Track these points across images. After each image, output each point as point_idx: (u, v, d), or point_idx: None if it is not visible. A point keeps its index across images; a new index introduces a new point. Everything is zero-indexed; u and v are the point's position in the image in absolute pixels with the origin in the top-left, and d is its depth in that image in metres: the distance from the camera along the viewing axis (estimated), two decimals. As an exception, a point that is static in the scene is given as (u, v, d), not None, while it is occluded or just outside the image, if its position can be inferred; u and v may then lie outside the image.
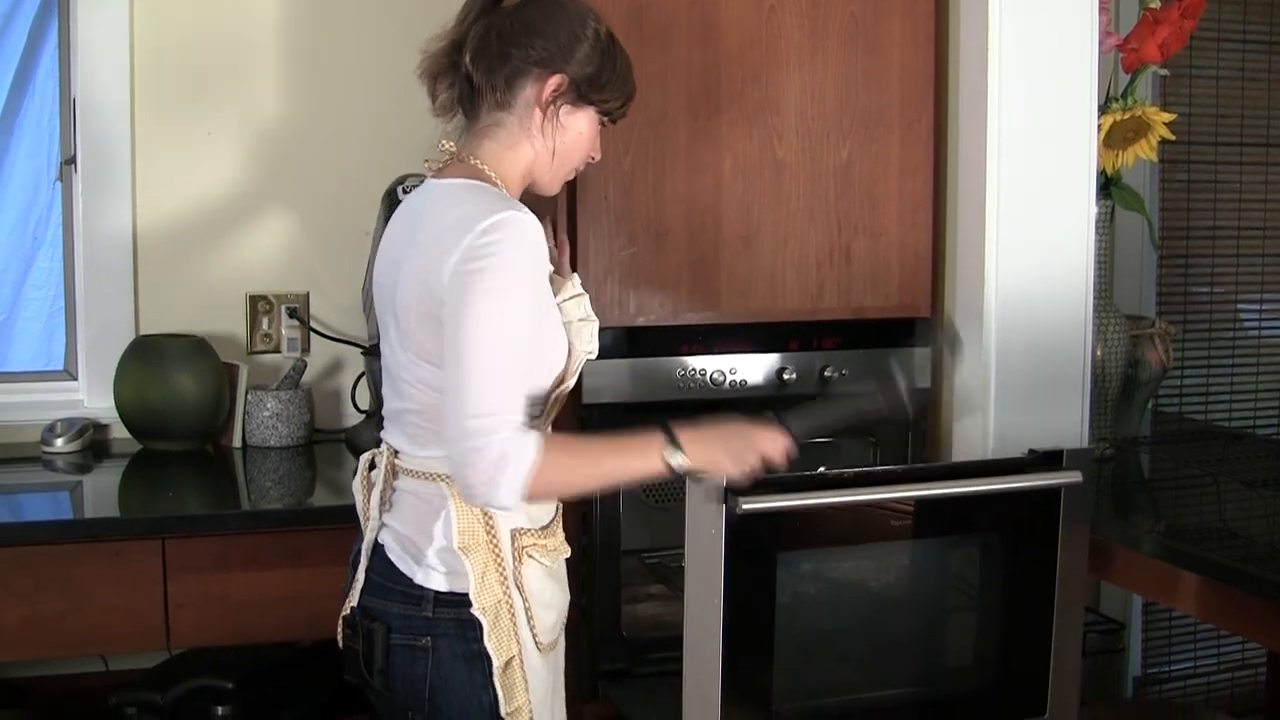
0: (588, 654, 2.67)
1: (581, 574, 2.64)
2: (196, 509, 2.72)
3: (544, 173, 2.06)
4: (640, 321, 2.63)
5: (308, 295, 3.32)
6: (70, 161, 3.20)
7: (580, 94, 2.00)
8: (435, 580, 1.94)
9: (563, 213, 2.58)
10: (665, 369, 2.65)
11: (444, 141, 2.05)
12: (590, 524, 2.58)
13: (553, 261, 2.42)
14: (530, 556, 1.98)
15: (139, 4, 3.16)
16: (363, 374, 3.21)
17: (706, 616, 2.12)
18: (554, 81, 1.98)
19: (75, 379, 3.25)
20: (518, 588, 1.95)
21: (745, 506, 2.07)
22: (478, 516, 1.93)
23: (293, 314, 3.30)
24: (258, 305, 3.29)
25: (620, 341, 2.63)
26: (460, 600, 1.92)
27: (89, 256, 3.17)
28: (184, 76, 3.20)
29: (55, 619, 2.47)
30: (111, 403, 3.07)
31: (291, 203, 3.29)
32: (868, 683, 2.39)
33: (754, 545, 2.15)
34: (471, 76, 2.00)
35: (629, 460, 1.93)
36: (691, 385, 2.66)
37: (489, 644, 1.91)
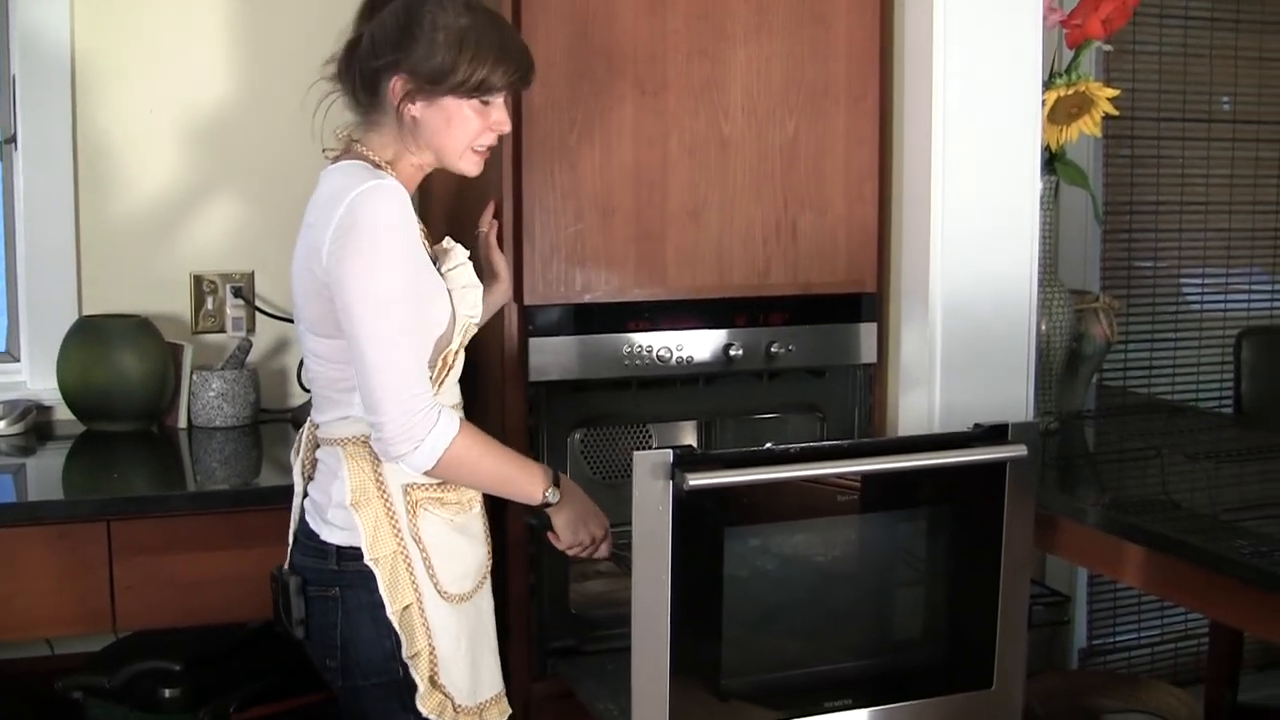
0: (536, 632, 2.67)
1: (530, 552, 2.64)
2: (142, 490, 2.70)
3: (442, 158, 2.14)
4: (586, 298, 2.62)
5: (253, 274, 3.29)
6: (10, 140, 3.16)
7: (430, 87, 2.05)
8: (335, 536, 2.09)
9: (508, 189, 2.56)
10: (612, 346, 2.65)
11: (338, 131, 2.17)
12: (538, 502, 2.57)
13: (483, 245, 2.46)
14: (427, 509, 2.10)
15: (78, -21, 3.12)
16: (309, 353, 3.19)
17: (655, 592, 2.12)
18: (396, 84, 2.06)
19: (17, 360, 3.21)
20: (415, 539, 2.08)
21: (692, 483, 2.08)
22: (369, 475, 2.06)
23: (237, 293, 3.27)
24: (202, 285, 3.26)
25: (567, 319, 2.62)
26: (359, 554, 2.06)
27: (30, 236, 3.13)
28: (125, 53, 3.16)
29: (-1, 602, 2.45)
30: (55, 384, 3.04)
31: (236, 181, 3.26)
32: (816, 656, 2.41)
33: (701, 521, 2.16)
34: (342, 82, 2.14)
35: (521, 475, 2.15)
36: (638, 362, 2.66)
37: (384, 592, 2.04)
